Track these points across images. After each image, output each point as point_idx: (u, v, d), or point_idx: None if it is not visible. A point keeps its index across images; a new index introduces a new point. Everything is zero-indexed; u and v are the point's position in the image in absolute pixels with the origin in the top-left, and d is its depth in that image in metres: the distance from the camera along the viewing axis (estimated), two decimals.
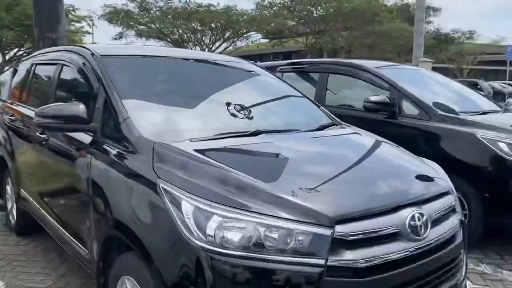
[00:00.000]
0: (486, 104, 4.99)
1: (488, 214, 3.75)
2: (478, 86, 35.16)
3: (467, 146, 3.89)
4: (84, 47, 2.94)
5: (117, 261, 2.14)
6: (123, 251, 2.11)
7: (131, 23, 27.70)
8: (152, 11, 27.77)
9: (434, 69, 45.82)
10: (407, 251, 1.83)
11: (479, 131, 3.84)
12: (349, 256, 1.69)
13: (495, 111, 4.68)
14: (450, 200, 2.22)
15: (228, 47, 31.22)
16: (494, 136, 3.76)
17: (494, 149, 3.70)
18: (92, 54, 2.75)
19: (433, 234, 1.96)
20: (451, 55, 40.30)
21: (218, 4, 38.99)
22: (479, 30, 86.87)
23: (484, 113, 4.45)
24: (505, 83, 37.75)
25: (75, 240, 2.65)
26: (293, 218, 1.69)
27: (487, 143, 3.75)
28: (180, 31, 29.03)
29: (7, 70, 17.87)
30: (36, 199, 3.36)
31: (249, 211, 1.70)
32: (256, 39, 34.05)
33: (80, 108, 2.38)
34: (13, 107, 3.99)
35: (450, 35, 38.20)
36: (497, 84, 35.59)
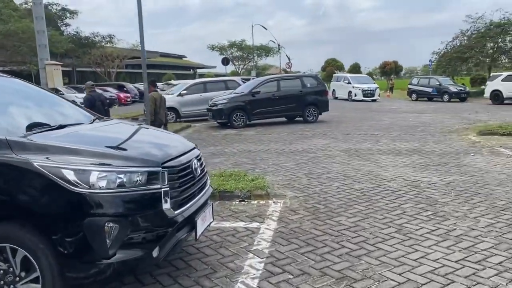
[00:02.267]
0: (72, 114, 3.98)
1: (66, 268, 2.69)
2: (125, 88, 36.86)
3: (24, 179, 2.69)
4: None
5: None
6: None
7: None
8: None
9: (82, 72, 44.71)
10: None
11: (37, 157, 2.70)
12: None
13: (79, 123, 3.70)
14: None
15: None
16: (56, 162, 2.69)
17: (57, 179, 2.64)
18: None
19: None
20: (97, 58, 40.33)
21: None
22: (120, 36, 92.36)
23: (61, 127, 3.37)
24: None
25: None
26: None
27: (47, 173, 2.65)
28: None
29: None
30: None
31: None
32: None
33: None
34: None
35: (91, 39, 37.95)
36: (143, 86, 38.16)
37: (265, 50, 57.41)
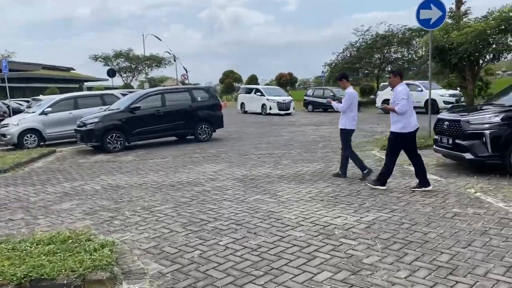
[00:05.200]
0: None
1: None
2: None
3: None
4: None
5: None
6: None
7: None
8: None
9: None
10: None
11: None
12: None
13: None
14: None
15: None
16: None
17: None
18: None
19: None
20: None
21: None
22: None
23: None
24: (24, 100, 35.72)
25: None
26: None
27: None
28: None
29: None
30: None
31: None
32: None
33: None
34: None
35: None
36: (13, 102, 32.75)
37: (156, 61, 54.48)
